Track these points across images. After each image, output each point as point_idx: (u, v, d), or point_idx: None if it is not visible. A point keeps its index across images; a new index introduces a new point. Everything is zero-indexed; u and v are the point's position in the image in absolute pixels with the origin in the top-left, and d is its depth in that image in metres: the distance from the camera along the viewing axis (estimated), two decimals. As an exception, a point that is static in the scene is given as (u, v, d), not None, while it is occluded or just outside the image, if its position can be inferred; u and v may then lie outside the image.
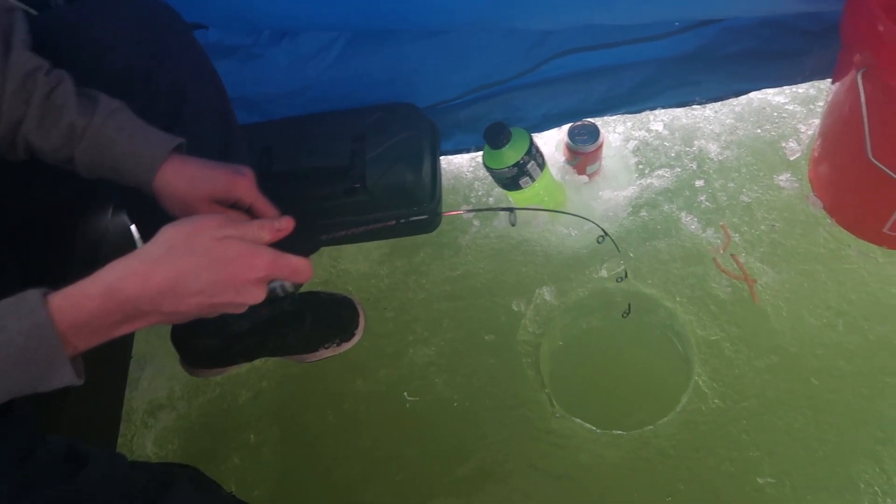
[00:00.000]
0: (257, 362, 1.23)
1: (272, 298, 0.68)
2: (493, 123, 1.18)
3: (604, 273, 1.22)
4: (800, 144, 1.30)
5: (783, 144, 1.31)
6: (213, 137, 0.90)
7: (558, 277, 1.23)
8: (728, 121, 1.36)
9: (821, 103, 1.34)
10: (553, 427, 1.10)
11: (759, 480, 1.02)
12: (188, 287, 0.60)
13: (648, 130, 1.38)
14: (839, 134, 1.14)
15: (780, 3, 1.14)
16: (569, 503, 1.05)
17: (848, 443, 1.03)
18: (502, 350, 1.18)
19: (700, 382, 1.10)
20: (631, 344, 1.18)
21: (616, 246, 1.05)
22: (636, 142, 1.37)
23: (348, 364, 1.21)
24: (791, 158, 1.29)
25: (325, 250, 1.35)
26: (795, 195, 1.25)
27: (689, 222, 1.25)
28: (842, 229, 1.20)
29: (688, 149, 1.34)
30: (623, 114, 1.37)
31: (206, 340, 1.16)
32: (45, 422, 0.91)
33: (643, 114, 1.38)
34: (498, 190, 1.31)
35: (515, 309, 1.22)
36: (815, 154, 1.24)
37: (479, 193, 1.37)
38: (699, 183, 1.29)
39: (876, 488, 0.99)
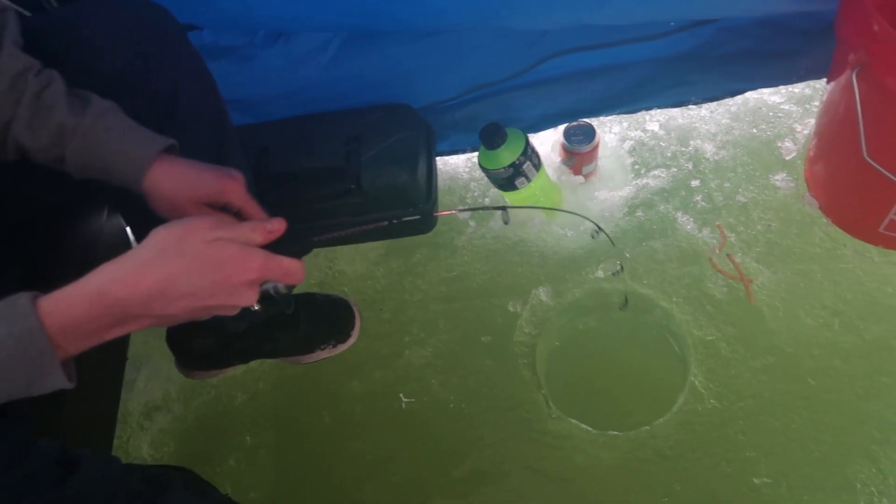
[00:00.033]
0: (253, 364, 1.23)
1: (265, 300, 0.68)
2: (488, 124, 1.17)
3: (600, 273, 1.22)
4: (795, 144, 1.30)
5: (779, 144, 1.31)
6: (206, 139, 0.90)
7: (554, 278, 1.23)
8: (724, 120, 1.36)
9: (816, 103, 1.34)
10: (549, 428, 1.10)
11: (756, 481, 1.02)
12: (178, 290, 0.60)
13: (644, 130, 1.38)
14: (834, 133, 1.14)
15: (775, 2, 1.14)
16: (565, 504, 1.05)
17: (844, 443, 1.03)
18: (499, 351, 1.18)
19: (696, 383, 1.10)
20: (627, 344, 1.18)
21: (611, 240, 1.05)
22: (632, 142, 1.37)
23: (344, 365, 1.21)
24: (787, 158, 1.29)
25: (320, 251, 1.34)
26: (791, 195, 1.25)
27: (686, 222, 1.25)
28: (838, 229, 1.20)
29: (684, 149, 1.34)
30: (619, 114, 1.37)
31: (202, 342, 1.15)
32: (40, 424, 0.91)
33: (639, 114, 1.38)
34: (494, 191, 1.31)
35: (512, 310, 1.22)
36: (811, 154, 1.23)
37: (475, 194, 1.36)
38: (695, 183, 1.29)
39: (872, 488, 0.99)
